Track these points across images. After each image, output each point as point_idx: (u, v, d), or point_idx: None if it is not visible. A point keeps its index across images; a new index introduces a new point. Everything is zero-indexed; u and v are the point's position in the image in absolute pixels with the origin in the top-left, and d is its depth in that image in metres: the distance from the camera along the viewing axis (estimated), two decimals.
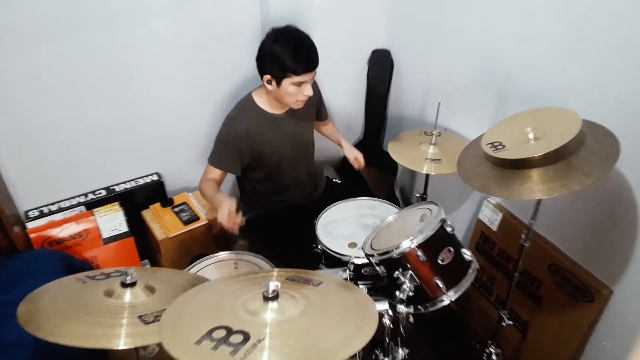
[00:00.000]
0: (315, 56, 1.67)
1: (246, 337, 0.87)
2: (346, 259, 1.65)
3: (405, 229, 1.45)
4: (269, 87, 1.72)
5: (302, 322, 0.94)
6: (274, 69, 1.66)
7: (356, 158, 2.03)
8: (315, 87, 1.96)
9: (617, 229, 1.47)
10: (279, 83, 1.68)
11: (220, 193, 1.76)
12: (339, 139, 2.14)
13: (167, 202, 2.14)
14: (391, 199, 1.99)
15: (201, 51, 2.00)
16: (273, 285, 0.96)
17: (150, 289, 1.15)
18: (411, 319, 1.43)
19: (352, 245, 1.74)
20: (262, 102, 1.82)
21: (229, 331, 0.89)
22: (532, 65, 1.61)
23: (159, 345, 0.90)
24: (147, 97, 1.98)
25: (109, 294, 1.11)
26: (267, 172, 1.90)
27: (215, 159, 1.82)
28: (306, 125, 1.99)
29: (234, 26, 2.02)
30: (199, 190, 1.85)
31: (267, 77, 1.69)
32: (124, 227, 1.94)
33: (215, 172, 1.82)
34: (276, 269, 1.24)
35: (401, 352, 1.46)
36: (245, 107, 1.82)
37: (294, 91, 1.69)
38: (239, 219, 1.60)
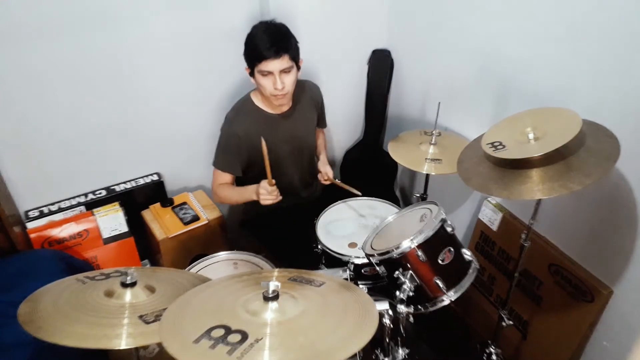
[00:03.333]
0: (281, 43, 1.61)
1: (244, 336, 0.87)
2: (346, 259, 1.65)
3: (405, 229, 1.46)
4: (252, 80, 1.72)
5: (301, 323, 0.94)
6: (247, 59, 1.67)
7: (326, 172, 1.96)
8: (317, 91, 1.97)
9: (617, 229, 1.47)
10: (252, 75, 1.69)
11: (243, 188, 1.80)
12: (321, 151, 2.12)
13: (167, 202, 2.14)
14: (391, 199, 1.99)
15: (201, 51, 2.00)
16: (273, 285, 0.96)
17: (151, 289, 1.16)
18: (411, 319, 1.43)
19: (352, 245, 1.74)
20: (259, 101, 1.82)
21: (228, 330, 0.89)
22: (532, 65, 1.61)
23: (159, 345, 0.90)
24: (147, 97, 1.98)
25: (109, 294, 1.11)
26: (266, 175, 1.89)
27: (220, 162, 1.82)
28: (306, 126, 1.98)
29: (234, 26, 2.01)
30: (219, 199, 1.86)
31: (247, 68, 1.70)
32: (124, 227, 1.94)
33: (225, 176, 1.83)
34: (278, 269, 1.24)
35: (401, 352, 1.46)
36: (243, 107, 1.82)
37: (266, 83, 1.66)
38: (274, 190, 1.67)
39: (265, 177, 1.69)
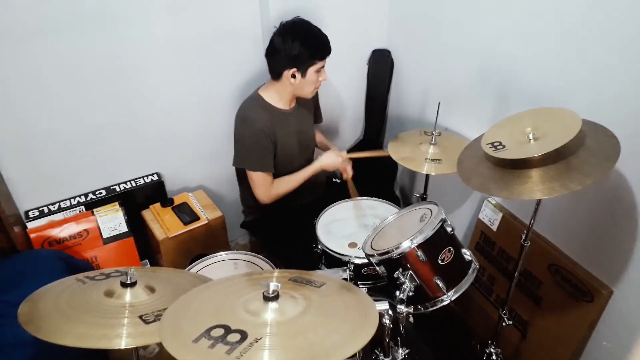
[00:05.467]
0: (329, 40, 1.76)
1: (243, 336, 0.87)
2: (346, 259, 1.65)
3: (405, 229, 1.46)
4: (291, 80, 1.74)
5: (301, 323, 0.94)
6: (300, 61, 1.70)
7: (346, 169, 2.02)
8: None
9: (617, 228, 1.47)
10: (304, 74, 1.73)
11: (305, 169, 1.91)
12: (327, 144, 2.16)
13: (167, 202, 2.14)
14: (391, 199, 1.99)
15: (201, 51, 2.00)
16: (273, 285, 0.96)
17: (151, 289, 1.16)
18: (411, 319, 1.43)
19: (352, 245, 1.74)
20: (271, 98, 1.83)
21: (227, 330, 0.89)
22: (532, 65, 1.61)
23: (159, 345, 0.90)
24: (147, 97, 1.98)
25: (109, 294, 1.11)
26: (275, 170, 1.89)
27: (262, 164, 1.81)
28: (309, 122, 2.02)
29: (234, 27, 2.02)
30: (276, 197, 1.88)
31: (291, 71, 1.72)
32: (124, 227, 1.94)
33: (270, 175, 1.85)
34: (278, 270, 1.24)
35: (401, 352, 1.46)
36: (256, 104, 1.83)
37: (315, 78, 1.76)
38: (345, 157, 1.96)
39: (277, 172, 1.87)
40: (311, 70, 1.73)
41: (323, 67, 1.77)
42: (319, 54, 1.72)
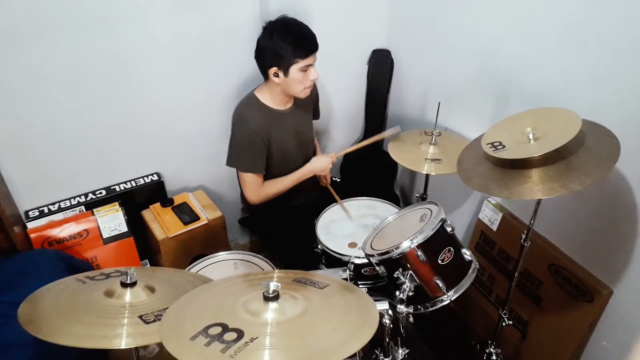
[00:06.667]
0: (315, 38, 1.71)
1: (240, 335, 0.87)
2: (346, 259, 1.65)
3: (405, 229, 1.46)
4: (276, 80, 1.73)
5: (300, 323, 0.94)
6: (279, 60, 1.68)
7: (326, 177, 2.07)
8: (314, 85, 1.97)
9: (617, 229, 1.47)
10: (286, 72, 1.70)
11: (295, 172, 1.90)
12: (316, 144, 2.18)
13: (167, 202, 2.14)
14: (391, 198, 1.99)
15: (201, 51, 2.00)
16: (273, 285, 0.96)
17: (151, 289, 1.16)
18: (411, 319, 1.43)
19: (352, 245, 1.74)
20: (266, 99, 1.83)
21: (225, 328, 0.89)
22: (532, 65, 1.61)
23: (159, 345, 0.90)
24: (147, 97, 1.98)
25: (109, 294, 1.11)
26: (272, 171, 1.90)
27: (253, 165, 1.82)
28: (307, 122, 2.01)
29: (234, 26, 2.02)
30: (266, 198, 1.88)
31: (273, 70, 1.70)
32: (123, 227, 1.93)
33: (260, 178, 1.85)
34: (284, 271, 1.24)
35: (401, 352, 1.46)
36: (250, 104, 1.83)
37: (302, 77, 1.71)
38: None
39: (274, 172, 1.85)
40: (294, 69, 1.68)
41: (311, 65, 1.71)
42: (300, 52, 1.66)
